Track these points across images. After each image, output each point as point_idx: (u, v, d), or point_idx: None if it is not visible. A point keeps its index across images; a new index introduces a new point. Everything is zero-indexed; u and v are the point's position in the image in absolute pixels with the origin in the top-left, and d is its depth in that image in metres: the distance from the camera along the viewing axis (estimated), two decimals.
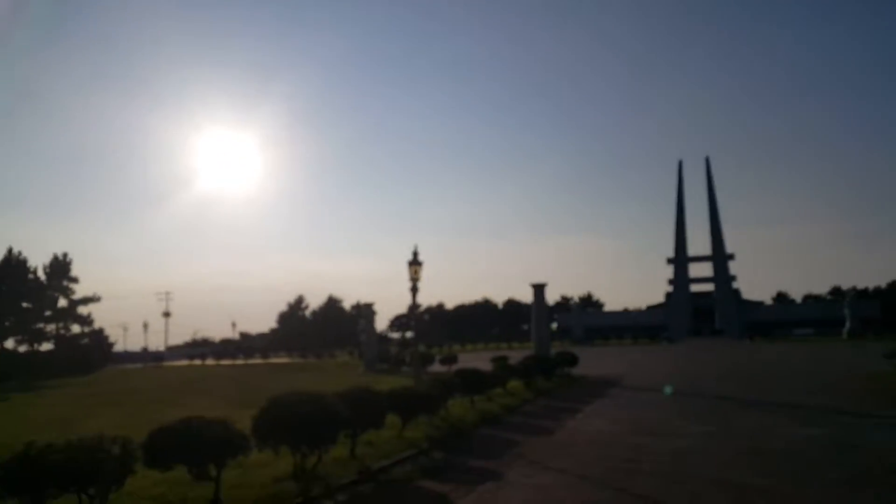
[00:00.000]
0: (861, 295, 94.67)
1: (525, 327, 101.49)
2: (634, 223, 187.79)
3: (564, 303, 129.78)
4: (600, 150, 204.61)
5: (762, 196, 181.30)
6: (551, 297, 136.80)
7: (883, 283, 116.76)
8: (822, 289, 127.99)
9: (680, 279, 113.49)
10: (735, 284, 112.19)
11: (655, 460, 9.64)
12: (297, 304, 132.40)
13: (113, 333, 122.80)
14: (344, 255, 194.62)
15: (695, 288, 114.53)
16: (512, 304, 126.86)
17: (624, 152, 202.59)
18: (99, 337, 66.54)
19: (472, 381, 16.03)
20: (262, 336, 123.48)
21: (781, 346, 55.54)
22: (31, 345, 61.86)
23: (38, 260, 77.58)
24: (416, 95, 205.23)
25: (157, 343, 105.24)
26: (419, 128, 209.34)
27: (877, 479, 8.17)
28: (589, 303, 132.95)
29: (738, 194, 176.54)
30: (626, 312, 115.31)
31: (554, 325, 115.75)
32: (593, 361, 38.43)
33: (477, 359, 34.93)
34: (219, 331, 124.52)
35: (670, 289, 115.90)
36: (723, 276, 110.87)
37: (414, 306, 17.55)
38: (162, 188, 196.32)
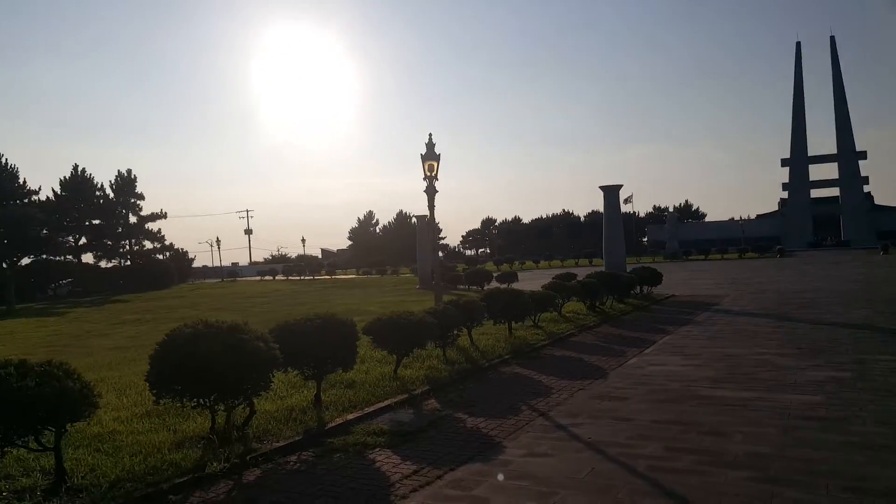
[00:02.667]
0: None
1: None
2: (742, 123, 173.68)
3: (658, 214, 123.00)
4: (700, 40, 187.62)
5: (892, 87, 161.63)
6: (642, 208, 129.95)
7: None
8: None
9: (797, 183, 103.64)
10: (866, 188, 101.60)
11: (753, 435, 6.49)
12: (368, 220, 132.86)
13: (200, 249, 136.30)
14: (412, 171, 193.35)
15: (815, 193, 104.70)
16: (596, 217, 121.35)
17: (728, 38, 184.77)
18: (178, 253, 69.78)
19: (504, 305, 13.15)
20: (341, 252, 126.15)
21: None
22: (108, 260, 65.04)
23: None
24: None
25: (243, 259, 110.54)
26: (496, 33, 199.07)
27: None
28: (687, 213, 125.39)
29: (864, 87, 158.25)
30: (730, 223, 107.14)
31: (644, 240, 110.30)
32: (685, 279, 34.69)
33: (546, 276, 31.87)
34: (305, 248, 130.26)
35: (785, 195, 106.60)
36: (851, 178, 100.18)
37: (431, 208, 14.61)
38: (242, 109, 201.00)
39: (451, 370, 10.17)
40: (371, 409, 7.99)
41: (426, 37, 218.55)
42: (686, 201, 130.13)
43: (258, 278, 62.77)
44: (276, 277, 60.14)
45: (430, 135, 14.52)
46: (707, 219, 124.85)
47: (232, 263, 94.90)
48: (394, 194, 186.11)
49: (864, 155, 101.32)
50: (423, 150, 14.64)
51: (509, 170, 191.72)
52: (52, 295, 54.08)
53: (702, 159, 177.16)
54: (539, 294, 15.45)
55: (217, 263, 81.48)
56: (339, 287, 40.46)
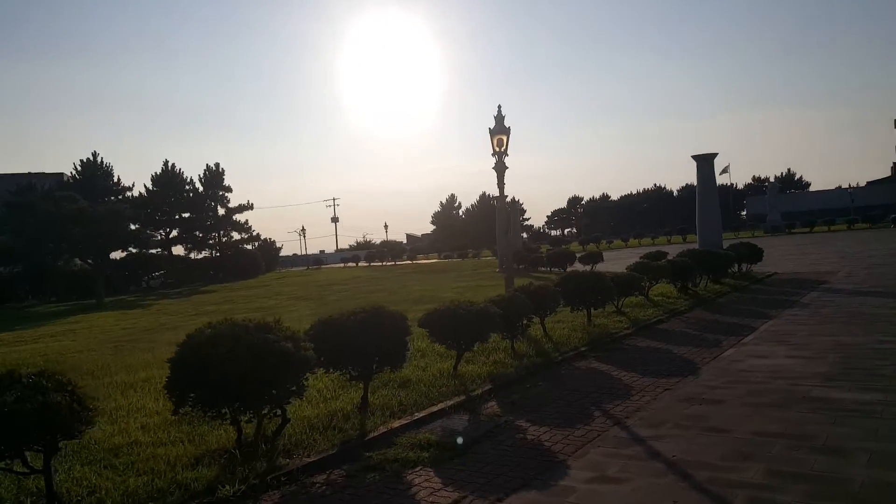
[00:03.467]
0: None
1: None
2: (847, 82, 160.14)
3: (757, 184, 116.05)
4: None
5: None
6: (741, 178, 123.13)
7: None
8: None
9: None
10: None
11: (883, 455, 5.17)
12: (450, 204, 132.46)
13: (288, 238, 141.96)
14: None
15: None
16: (689, 191, 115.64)
17: None
18: (265, 243, 72.18)
19: (581, 290, 11.98)
20: (426, 237, 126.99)
21: None
22: (198, 252, 67.57)
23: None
24: None
25: (329, 246, 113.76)
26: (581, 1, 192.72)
27: None
28: (789, 183, 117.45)
29: None
30: (838, 191, 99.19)
31: (743, 213, 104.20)
32: (789, 254, 31.99)
33: (634, 255, 30.17)
34: (388, 233, 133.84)
35: None
36: None
37: (501, 186, 13.49)
38: (326, 98, 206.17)
39: (518, 365, 9.20)
40: (422, 413, 7.16)
41: (509, 11, 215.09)
42: (788, 170, 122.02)
43: (342, 265, 63.88)
44: (359, 264, 60.92)
45: (500, 106, 13.45)
46: (811, 188, 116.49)
47: (320, 251, 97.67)
48: (479, 176, 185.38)
49: None
50: (492, 124, 13.56)
51: (596, 145, 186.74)
52: (146, 287, 56.53)
53: (804, 124, 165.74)
54: (622, 276, 14.12)
55: (304, 251, 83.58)
56: (419, 272, 40.08)
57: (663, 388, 7.82)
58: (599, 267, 29.48)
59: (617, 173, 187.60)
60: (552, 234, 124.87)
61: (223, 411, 5.74)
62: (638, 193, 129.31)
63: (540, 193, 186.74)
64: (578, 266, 32.23)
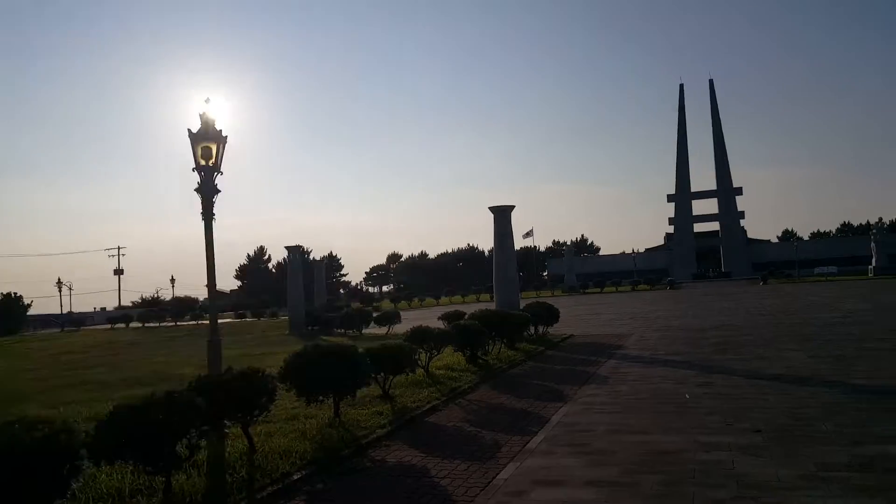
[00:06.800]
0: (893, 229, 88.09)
1: (520, 275, 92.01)
2: (631, 164, 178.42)
3: (557, 248, 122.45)
4: (590, 91, 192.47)
5: (764, 134, 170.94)
6: (542, 242, 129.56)
7: None
8: (827, 226, 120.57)
9: (682, 217, 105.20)
10: (742, 223, 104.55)
11: None
12: (259, 256, 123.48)
13: (53, 293, 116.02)
14: (322, 207, 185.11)
15: (699, 228, 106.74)
16: None
17: (617, 90, 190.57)
18: (6, 298, 55.85)
19: (316, 373, 8.08)
20: (234, 293, 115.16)
21: (808, 287, 47.85)
22: None
23: None
24: (377, 36, 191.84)
25: (111, 302, 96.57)
26: (397, 73, 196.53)
27: None
28: (583, 247, 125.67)
29: (738, 133, 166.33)
30: (623, 256, 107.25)
31: (545, 274, 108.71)
32: (584, 314, 31.04)
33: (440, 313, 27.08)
34: (189, 289, 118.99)
35: (671, 229, 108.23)
36: (729, 212, 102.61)
37: (207, 218, 9.01)
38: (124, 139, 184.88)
39: None
40: None
41: (330, 82, 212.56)
42: (582, 236, 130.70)
43: (108, 326, 51.25)
44: (130, 325, 49.14)
45: (207, 99, 9.13)
46: (601, 252, 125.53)
47: (96, 308, 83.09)
48: (315, 229, 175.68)
49: (740, 191, 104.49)
50: (196, 128, 9.13)
51: (419, 208, 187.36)
52: None
53: (599, 199, 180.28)
54: (392, 348, 10.46)
55: (64, 309, 69.86)
56: (192, 336, 32.56)
57: None
58: (398, 328, 26.18)
59: (436, 234, 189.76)
60: (370, 290, 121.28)
61: None
62: (452, 252, 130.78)
63: (365, 249, 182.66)
64: (374, 327, 28.72)
